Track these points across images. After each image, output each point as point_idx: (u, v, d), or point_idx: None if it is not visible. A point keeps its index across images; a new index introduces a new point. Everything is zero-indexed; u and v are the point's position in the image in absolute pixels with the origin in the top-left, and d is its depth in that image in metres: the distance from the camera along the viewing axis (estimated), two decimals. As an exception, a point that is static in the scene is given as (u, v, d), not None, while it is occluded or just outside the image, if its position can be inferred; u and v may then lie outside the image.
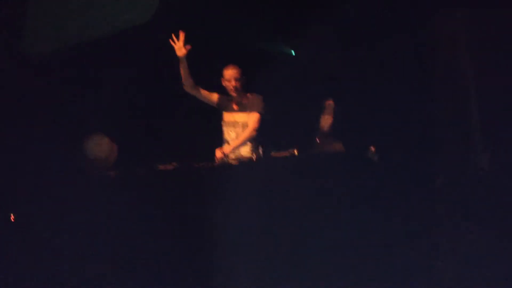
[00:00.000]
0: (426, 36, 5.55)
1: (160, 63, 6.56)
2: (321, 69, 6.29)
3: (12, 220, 5.40)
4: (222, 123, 5.79)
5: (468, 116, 5.23)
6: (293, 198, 4.95)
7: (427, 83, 5.45)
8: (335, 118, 5.54)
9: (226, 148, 5.62)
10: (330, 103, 5.61)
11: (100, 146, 6.04)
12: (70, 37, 6.69)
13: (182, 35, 5.58)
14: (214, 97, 5.78)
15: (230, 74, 5.64)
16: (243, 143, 5.65)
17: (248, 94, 5.72)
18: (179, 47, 5.58)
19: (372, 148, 5.17)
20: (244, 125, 5.68)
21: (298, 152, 5.31)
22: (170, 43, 5.63)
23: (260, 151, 5.50)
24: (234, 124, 5.73)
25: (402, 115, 5.50)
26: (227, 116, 5.76)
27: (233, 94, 5.69)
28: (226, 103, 5.75)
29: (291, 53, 7.03)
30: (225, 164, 5.43)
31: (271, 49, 6.99)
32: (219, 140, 5.80)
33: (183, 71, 5.64)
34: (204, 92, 5.76)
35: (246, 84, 5.69)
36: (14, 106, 6.36)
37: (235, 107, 5.73)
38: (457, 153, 5.25)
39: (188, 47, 5.57)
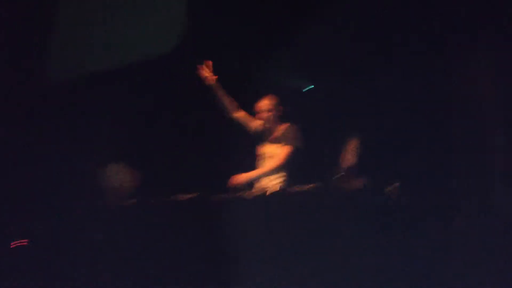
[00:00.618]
0: (451, 74, 5.54)
1: (185, 92, 6.59)
2: (344, 105, 6.25)
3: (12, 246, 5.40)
4: (259, 153, 5.69)
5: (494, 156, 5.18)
6: (311, 233, 4.89)
7: (450, 118, 5.41)
8: (357, 155, 5.49)
9: (241, 177, 5.51)
10: (353, 139, 5.56)
11: (119, 174, 6.03)
12: (90, 65, 6.74)
13: (209, 65, 5.60)
14: (255, 124, 5.68)
15: (262, 105, 5.59)
16: (264, 175, 5.55)
17: (281, 126, 5.61)
18: (208, 77, 5.58)
19: (393, 186, 5.10)
20: (276, 157, 5.57)
21: (319, 187, 5.27)
22: (197, 73, 5.65)
23: (282, 184, 5.43)
24: (268, 156, 5.62)
25: (425, 153, 5.45)
26: (263, 148, 5.66)
27: (265, 126, 5.60)
28: (262, 133, 5.65)
29: (310, 87, 7.00)
30: (242, 195, 5.35)
31: (291, 84, 6.98)
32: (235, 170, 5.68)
33: (221, 98, 5.61)
34: (247, 119, 5.69)
35: (281, 115, 5.60)
36: (34, 131, 6.39)
37: (269, 138, 5.63)
38: (481, 192, 5.19)
39: (215, 76, 5.55)
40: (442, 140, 5.40)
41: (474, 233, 5.04)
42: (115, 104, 6.66)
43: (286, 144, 5.52)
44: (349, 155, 5.53)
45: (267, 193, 5.21)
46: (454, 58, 5.61)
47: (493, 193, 5.10)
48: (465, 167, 5.26)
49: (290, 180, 5.47)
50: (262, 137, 5.67)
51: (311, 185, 5.22)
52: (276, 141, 5.59)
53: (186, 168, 6.70)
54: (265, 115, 5.55)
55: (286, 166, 5.55)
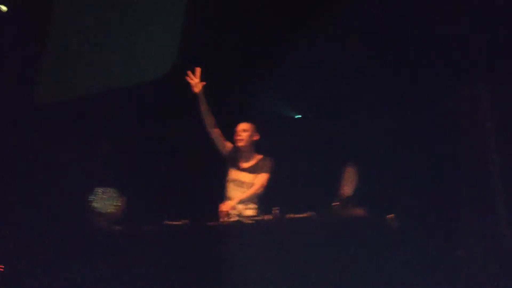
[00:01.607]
0: (445, 107, 5.54)
1: (166, 117, 6.54)
2: (342, 133, 6.21)
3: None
4: (227, 179, 5.66)
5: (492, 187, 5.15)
6: (306, 261, 4.78)
7: (446, 146, 5.40)
8: (355, 184, 5.43)
9: (230, 203, 5.43)
10: (350, 168, 5.51)
11: (108, 199, 5.93)
12: (83, 88, 6.65)
13: (198, 72, 5.58)
14: (228, 146, 5.68)
15: (240, 126, 5.64)
16: (247, 199, 5.50)
17: (257, 155, 5.64)
18: (195, 84, 5.57)
19: (391, 216, 5.04)
20: (249, 186, 5.55)
21: (315, 216, 5.20)
22: (185, 83, 5.63)
23: (277, 211, 5.32)
24: (239, 183, 5.60)
25: (423, 183, 5.42)
26: (234, 174, 5.63)
27: (239, 144, 5.59)
28: (234, 158, 5.65)
29: (295, 116, 6.99)
30: (234, 222, 5.24)
31: (283, 112, 6.96)
32: (223, 197, 5.65)
33: (202, 107, 5.59)
34: (221, 138, 5.68)
35: (256, 143, 5.63)
36: (24, 152, 6.26)
37: (242, 165, 5.62)
38: (479, 224, 5.14)
39: (203, 83, 5.55)
40: (440, 170, 5.37)
41: (474, 263, 4.98)
42: (106, 129, 6.56)
43: (262, 173, 5.53)
44: (348, 183, 5.47)
45: (263, 221, 5.12)
46: (448, 91, 5.62)
47: (491, 223, 5.06)
48: (463, 198, 5.23)
49: (283, 208, 5.43)
50: (235, 163, 5.64)
51: (309, 213, 5.18)
52: (251, 170, 5.60)
53: (173, 195, 6.59)
54: (240, 133, 5.58)
55: (266, 195, 5.54)
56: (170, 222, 5.30)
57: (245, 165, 5.60)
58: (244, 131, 5.57)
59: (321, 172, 6.01)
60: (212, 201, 6.10)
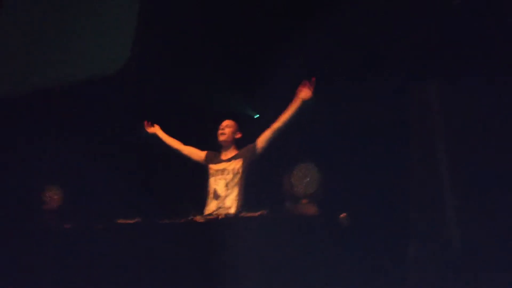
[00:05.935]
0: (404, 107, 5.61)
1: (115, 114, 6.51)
2: (296, 132, 6.24)
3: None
4: (209, 174, 5.69)
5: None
6: (259, 260, 4.78)
7: (400, 147, 5.47)
8: (307, 182, 5.46)
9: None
10: (303, 166, 5.54)
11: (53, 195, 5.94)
12: (34, 83, 6.55)
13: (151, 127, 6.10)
14: (203, 153, 5.83)
15: (224, 123, 5.77)
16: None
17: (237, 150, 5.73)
18: (153, 132, 6.09)
19: (343, 215, 5.08)
20: (235, 172, 5.58)
21: (267, 214, 5.20)
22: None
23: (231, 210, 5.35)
24: (222, 171, 5.63)
25: (374, 182, 5.47)
26: (215, 166, 5.68)
27: (221, 138, 5.69)
28: (214, 157, 5.75)
29: (255, 116, 7.04)
30: (185, 221, 5.22)
31: (238, 110, 6.98)
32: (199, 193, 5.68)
33: (166, 143, 6.02)
34: (194, 152, 5.88)
35: (238, 139, 5.73)
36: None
37: (223, 158, 5.69)
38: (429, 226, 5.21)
39: (157, 127, 6.06)
40: (391, 169, 5.43)
41: (426, 261, 5.04)
42: (52, 126, 6.50)
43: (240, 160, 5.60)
44: (300, 182, 5.50)
45: (214, 220, 5.10)
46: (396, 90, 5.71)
47: (445, 223, 5.13)
48: (418, 197, 5.30)
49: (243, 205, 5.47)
50: (215, 159, 5.71)
51: (262, 211, 5.17)
52: (233, 159, 5.65)
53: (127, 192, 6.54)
54: (224, 128, 5.71)
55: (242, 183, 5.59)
56: (123, 221, 5.27)
57: (227, 156, 5.68)
58: (227, 127, 5.69)
59: (274, 170, 6.02)
60: (166, 199, 6.15)
